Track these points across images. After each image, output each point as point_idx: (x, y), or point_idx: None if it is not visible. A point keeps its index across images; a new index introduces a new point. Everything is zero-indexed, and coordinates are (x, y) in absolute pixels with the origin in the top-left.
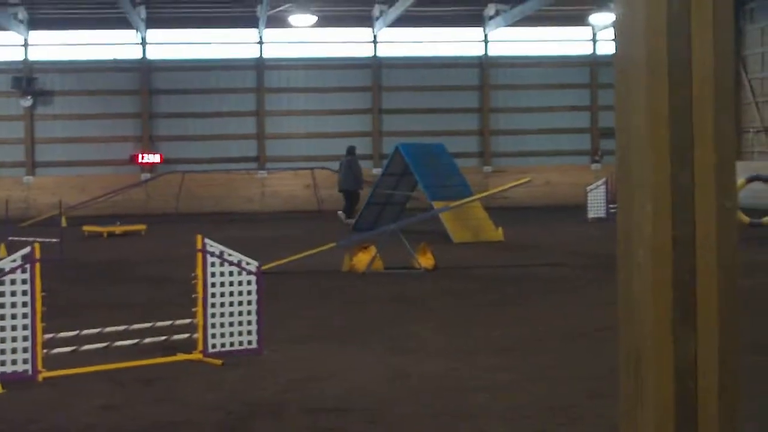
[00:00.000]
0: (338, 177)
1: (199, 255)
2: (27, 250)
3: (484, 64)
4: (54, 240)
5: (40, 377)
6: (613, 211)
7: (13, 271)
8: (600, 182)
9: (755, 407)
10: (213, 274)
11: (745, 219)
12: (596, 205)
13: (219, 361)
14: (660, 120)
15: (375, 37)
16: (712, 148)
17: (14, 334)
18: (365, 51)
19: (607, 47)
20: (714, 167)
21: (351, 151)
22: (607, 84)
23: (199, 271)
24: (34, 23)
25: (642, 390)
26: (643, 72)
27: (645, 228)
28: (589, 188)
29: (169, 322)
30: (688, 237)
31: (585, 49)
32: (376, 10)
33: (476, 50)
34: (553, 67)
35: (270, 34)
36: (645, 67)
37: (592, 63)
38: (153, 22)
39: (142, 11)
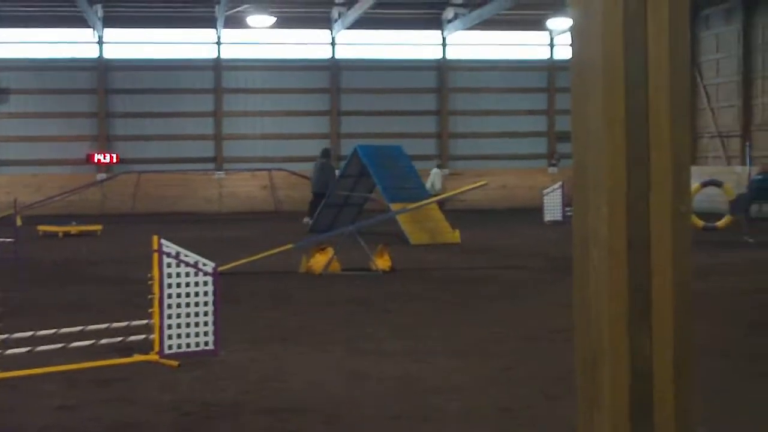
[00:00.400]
0: (311, 179)
1: (155, 256)
2: None
3: (442, 67)
4: (8, 240)
5: None
6: (569, 214)
7: None
8: (556, 185)
9: (709, 410)
10: (169, 275)
11: (699, 223)
12: (552, 208)
13: (175, 363)
14: (616, 123)
15: (333, 39)
16: (668, 151)
17: None
18: (324, 53)
19: (564, 52)
20: (669, 171)
21: (325, 153)
22: (564, 88)
23: (155, 272)
24: None
25: (598, 391)
26: (600, 76)
27: (600, 230)
28: (545, 191)
29: (125, 323)
30: (642, 240)
31: (543, 54)
32: (334, 12)
33: (434, 53)
34: (510, 70)
35: (228, 34)
36: (601, 71)
37: (550, 67)
38: (110, 21)
39: (100, 10)
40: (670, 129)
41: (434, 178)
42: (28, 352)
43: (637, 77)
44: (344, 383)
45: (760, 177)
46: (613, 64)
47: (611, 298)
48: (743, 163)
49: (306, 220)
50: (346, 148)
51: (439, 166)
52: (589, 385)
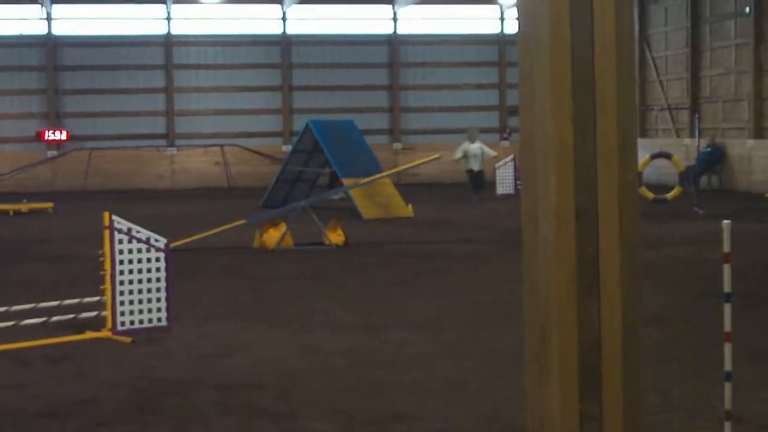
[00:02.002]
0: None
1: (107, 232)
2: None
3: (393, 42)
4: None
5: None
6: (521, 187)
7: None
8: (508, 159)
9: (657, 378)
10: (121, 252)
11: (650, 195)
12: (505, 182)
13: (128, 339)
14: (563, 94)
15: (284, 13)
16: (615, 121)
17: None
18: (275, 28)
19: (514, 26)
20: (616, 139)
21: None
22: (515, 62)
23: (106, 249)
24: None
25: (547, 361)
26: (547, 46)
27: (549, 200)
28: (497, 165)
29: (77, 300)
30: (591, 209)
31: (493, 28)
32: None
33: (386, 28)
34: (461, 45)
35: (178, 9)
36: (548, 40)
37: (500, 41)
38: None
39: None
40: (617, 98)
41: (471, 150)
42: None
43: (584, 47)
44: (297, 358)
45: (708, 149)
46: (559, 33)
47: (560, 268)
48: (692, 136)
49: None
50: (299, 123)
51: (470, 137)
52: (538, 355)
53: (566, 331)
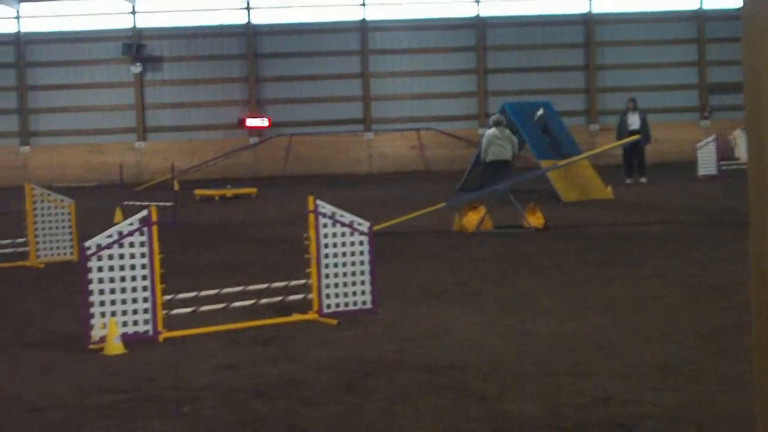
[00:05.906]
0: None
1: (311, 216)
2: (144, 213)
3: (588, 21)
4: (167, 204)
5: (160, 338)
6: (724, 168)
7: (131, 233)
8: (710, 139)
9: None
10: (325, 235)
11: None
12: (707, 162)
13: (334, 321)
14: None
15: None
16: None
17: (135, 295)
18: (468, 11)
19: (715, 1)
20: None
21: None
22: (714, 39)
23: (311, 232)
24: None
25: None
26: None
27: None
28: (698, 145)
29: (284, 283)
30: None
31: (692, 4)
32: None
33: (581, 7)
34: (658, 22)
35: None
36: None
37: (699, 17)
38: None
39: None
40: None
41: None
42: (191, 312)
43: None
44: (500, 340)
45: None
46: None
47: None
48: None
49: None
50: (493, 106)
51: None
52: (766, 336)
53: None
